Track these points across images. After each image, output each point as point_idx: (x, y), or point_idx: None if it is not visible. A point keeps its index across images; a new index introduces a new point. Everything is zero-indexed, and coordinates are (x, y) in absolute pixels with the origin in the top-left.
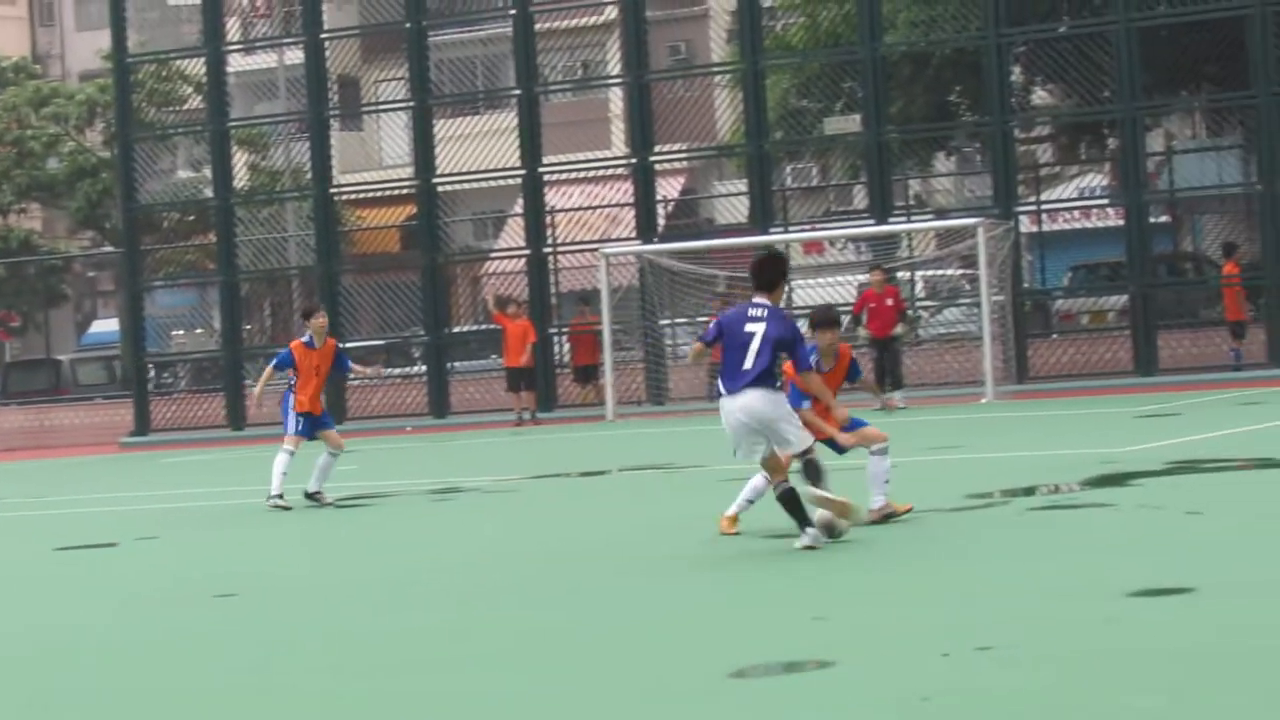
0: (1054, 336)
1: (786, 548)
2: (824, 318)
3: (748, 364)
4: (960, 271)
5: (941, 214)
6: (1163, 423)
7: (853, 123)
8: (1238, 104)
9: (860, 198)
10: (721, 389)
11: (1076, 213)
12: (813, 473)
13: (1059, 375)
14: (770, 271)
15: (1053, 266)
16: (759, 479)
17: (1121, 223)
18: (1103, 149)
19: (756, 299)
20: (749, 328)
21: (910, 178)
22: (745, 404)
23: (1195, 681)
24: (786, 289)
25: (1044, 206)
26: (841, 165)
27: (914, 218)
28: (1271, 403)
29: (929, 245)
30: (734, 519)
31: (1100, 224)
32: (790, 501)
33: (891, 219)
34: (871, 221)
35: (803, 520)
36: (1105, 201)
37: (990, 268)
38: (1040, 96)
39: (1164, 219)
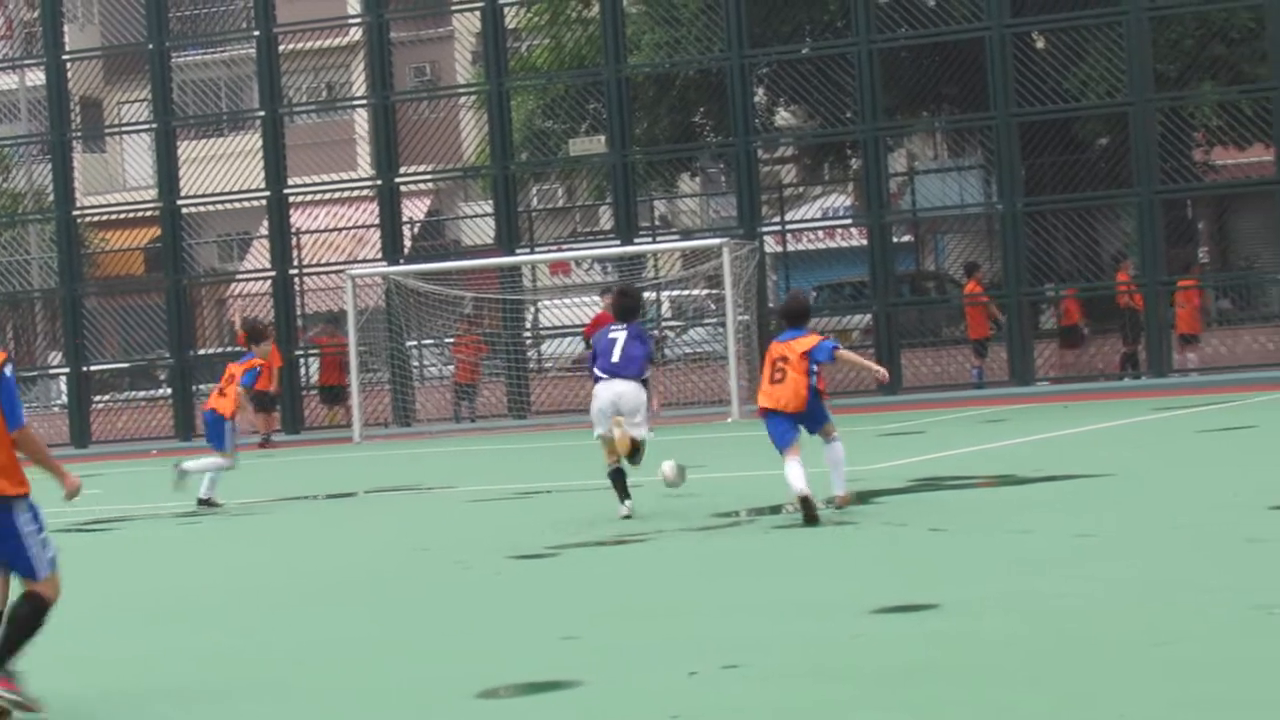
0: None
1: (537, 567)
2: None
3: (615, 357)
4: (706, 292)
5: (687, 234)
6: (906, 441)
7: (598, 144)
8: (977, 125)
9: (606, 218)
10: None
11: (821, 233)
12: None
13: None
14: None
15: (797, 286)
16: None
17: (865, 242)
18: (845, 169)
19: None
20: (612, 335)
21: (655, 198)
22: (619, 390)
23: (937, 696)
24: (534, 310)
25: (788, 226)
26: (587, 186)
27: (660, 238)
28: (1012, 420)
29: (675, 266)
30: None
31: (844, 244)
32: (618, 478)
33: (637, 240)
34: (617, 242)
35: (624, 495)
36: (848, 221)
37: (736, 288)
38: (783, 117)
39: (906, 238)
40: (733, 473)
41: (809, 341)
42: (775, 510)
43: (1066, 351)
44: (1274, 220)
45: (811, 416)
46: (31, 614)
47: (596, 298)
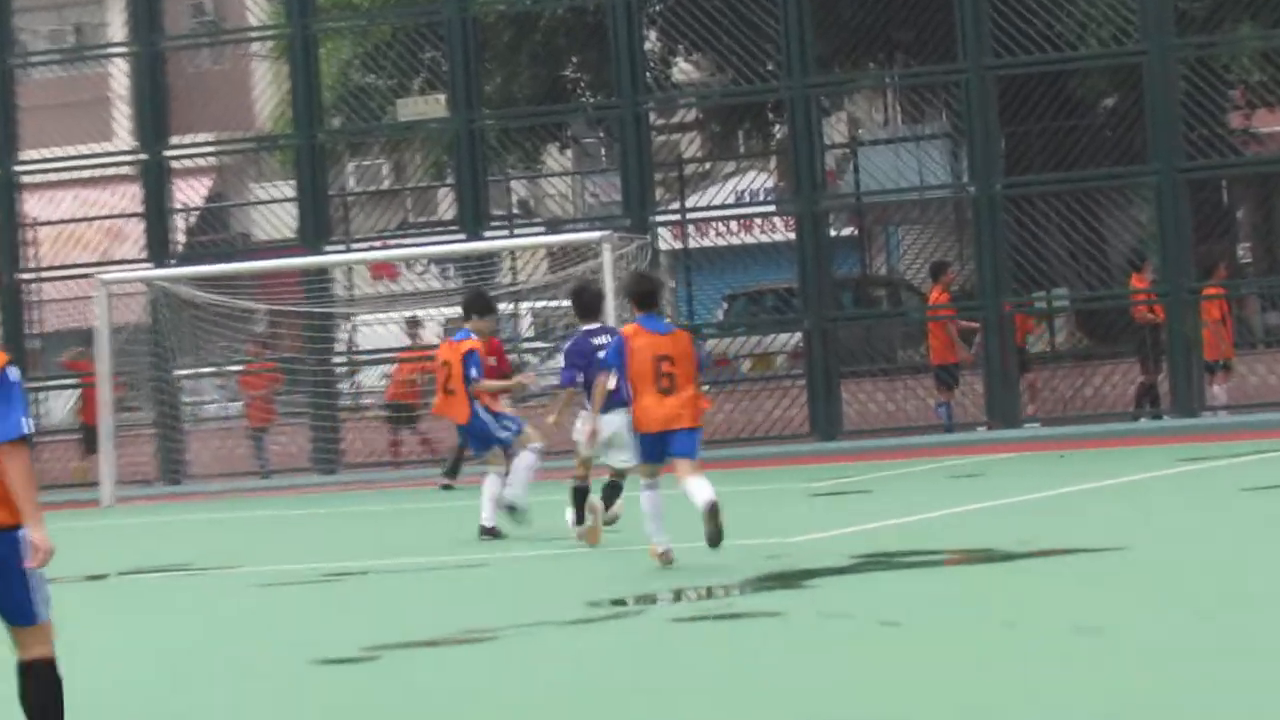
0: (704, 389)
1: (348, 676)
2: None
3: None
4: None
5: (555, 226)
6: (848, 502)
7: (436, 105)
8: (941, 80)
9: (447, 205)
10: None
11: (734, 223)
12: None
13: (710, 441)
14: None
15: (703, 295)
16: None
17: (792, 236)
18: (766, 140)
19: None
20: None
21: (514, 178)
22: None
23: None
24: (349, 327)
25: (690, 215)
26: (422, 162)
27: (519, 231)
28: (991, 474)
29: (539, 268)
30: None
31: (765, 238)
32: (579, 495)
33: (489, 233)
34: (462, 237)
35: (581, 514)
36: (771, 208)
37: (618, 297)
38: (684, 71)
39: (848, 231)
40: (614, 547)
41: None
42: (676, 597)
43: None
44: None
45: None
46: (52, 691)
47: (437, 311)
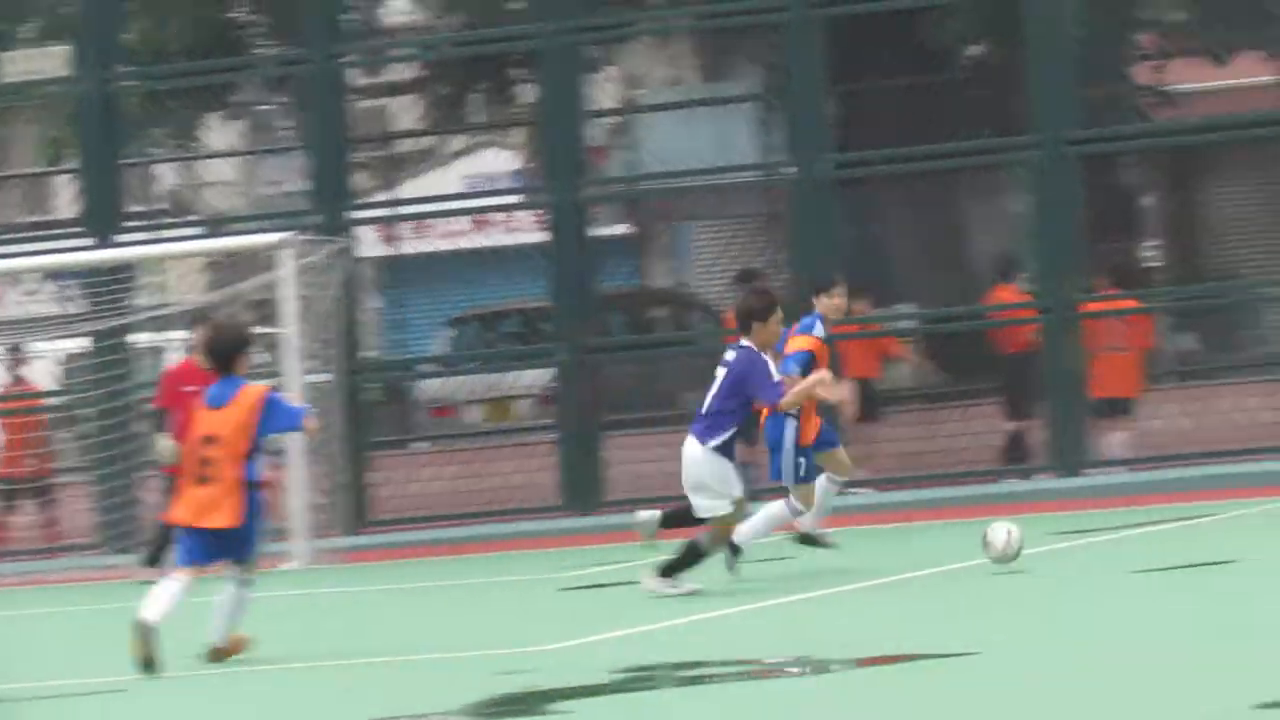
0: (421, 447)
1: None
2: None
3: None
4: (253, 330)
5: (219, 226)
6: (610, 598)
7: (53, 59)
8: (747, 24)
9: (68, 199)
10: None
11: (464, 220)
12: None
13: (427, 517)
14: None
15: (418, 318)
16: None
17: (544, 236)
18: (507, 104)
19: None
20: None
21: (161, 161)
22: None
23: None
24: None
25: (403, 209)
26: (30, 137)
27: (168, 234)
28: (803, 556)
29: (196, 283)
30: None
31: (506, 239)
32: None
33: (125, 236)
34: (89, 242)
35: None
36: (515, 199)
37: (304, 322)
38: (400, 11)
39: (620, 229)
40: (295, 663)
41: (252, 398)
42: None
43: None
44: (1269, 189)
45: (242, 540)
46: None
47: (48, 346)
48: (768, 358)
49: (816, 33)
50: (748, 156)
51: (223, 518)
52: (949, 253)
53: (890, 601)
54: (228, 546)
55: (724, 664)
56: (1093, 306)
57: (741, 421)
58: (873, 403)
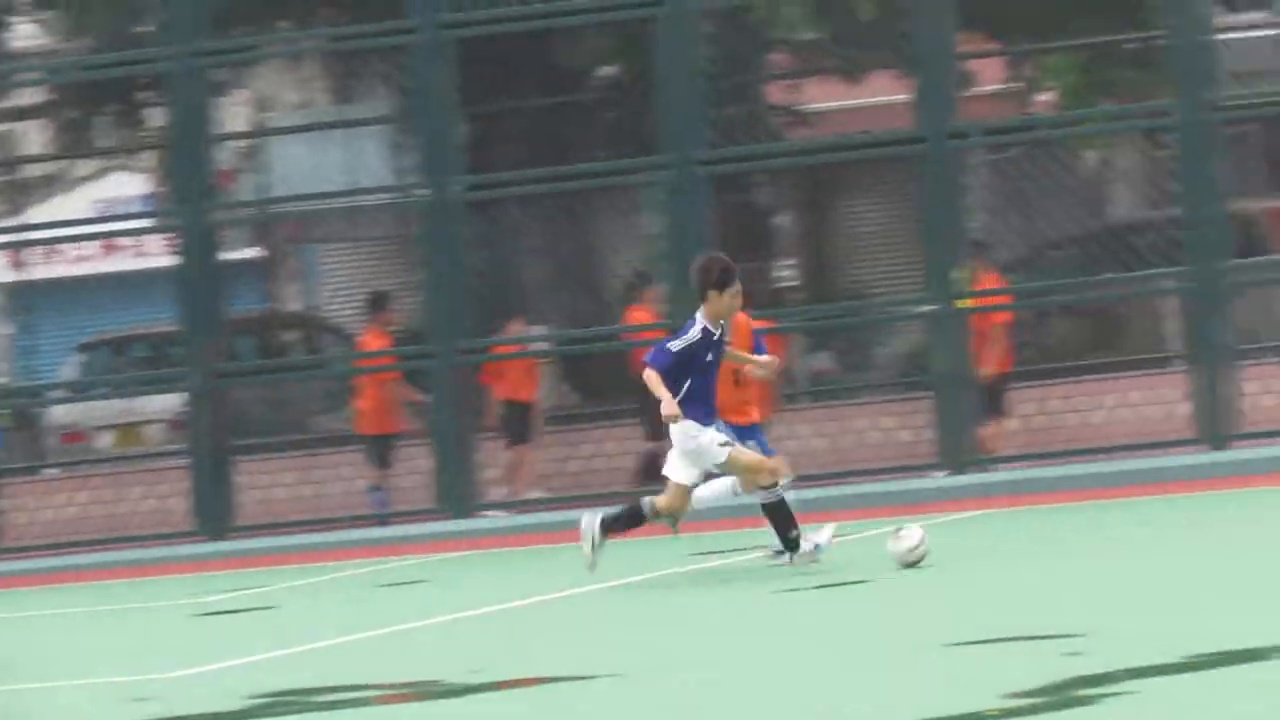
0: (53, 473)
1: None
2: None
3: None
4: None
5: None
6: (244, 623)
7: None
8: (382, 46)
9: None
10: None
11: (92, 245)
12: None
13: (56, 542)
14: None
15: (49, 344)
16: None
17: (175, 260)
18: (132, 128)
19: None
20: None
21: None
22: None
23: None
24: None
25: (31, 234)
26: None
27: None
28: (438, 580)
29: None
30: None
31: (136, 264)
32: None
33: None
34: None
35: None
36: (142, 224)
37: None
38: (24, 36)
39: (251, 252)
40: None
41: None
42: None
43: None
44: (908, 207)
45: None
46: None
47: None
48: (713, 328)
49: (447, 54)
50: (379, 179)
51: None
52: (584, 274)
53: (526, 624)
54: None
55: (356, 688)
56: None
57: (682, 385)
58: (525, 424)
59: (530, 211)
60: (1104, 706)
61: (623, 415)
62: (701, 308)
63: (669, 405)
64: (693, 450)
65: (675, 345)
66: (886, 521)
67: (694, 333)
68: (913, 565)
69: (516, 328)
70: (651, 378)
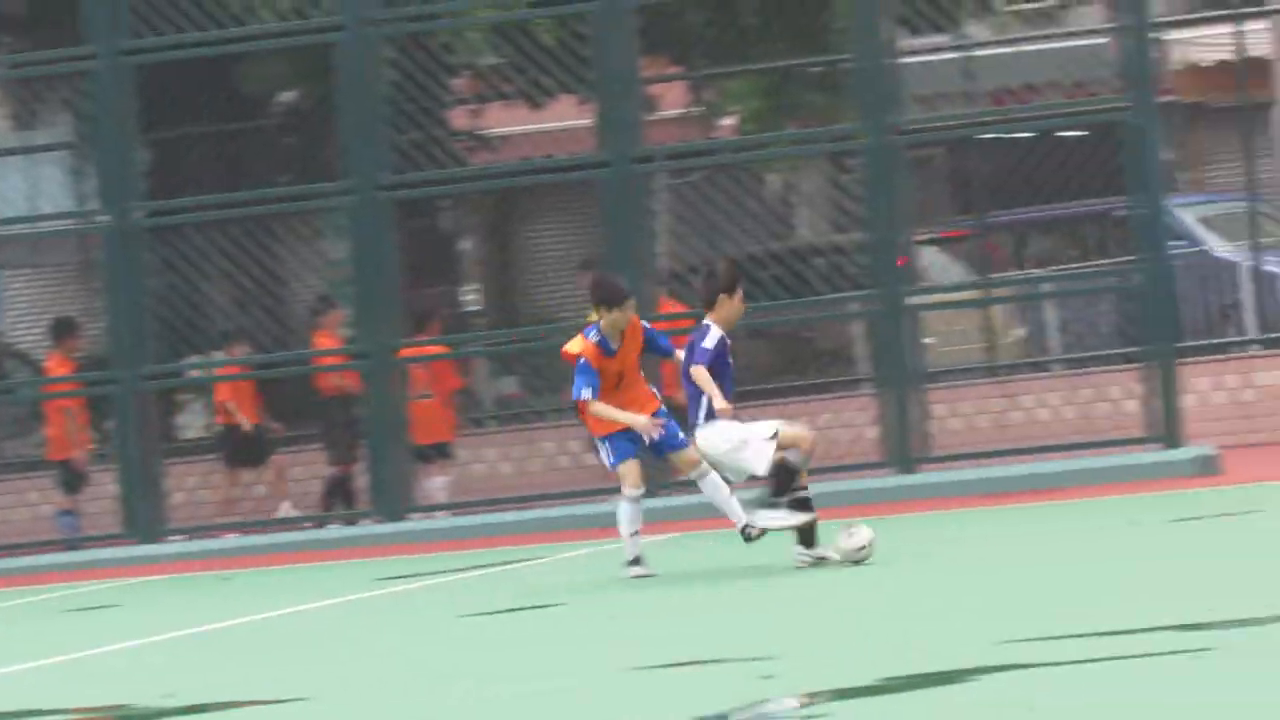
0: None
1: None
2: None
3: None
4: None
5: None
6: None
7: None
8: (60, 71)
9: None
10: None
11: None
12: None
13: None
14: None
15: None
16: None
17: None
18: None
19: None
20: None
21: None
22: None
23: None
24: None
25: None
26: None
27: None
28: (127, 605)
29: None
30: None
31: None
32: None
33: None
34: None
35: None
36: None
37: None
38: None
39: None
40: None
41: None
42: None
43: (241, 473)
44: (593, 231)
45: None
46: None
47: None
48: (721, 333)
49: (127, 80)
50: (60, 205)
51: None
52: (269, 299)
53: (216, 648)
54: None
55: (47, 713)
56: (409, 352)
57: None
58: (256, 447)
59: (213, 237)
60: None
61: (310, 439)
62: (710, 315)
63: (721, 400)
64: (740, 439)
65: (708, 343)
66: (575, 545)
67: (714, 333)
68: (857, 564)
69: (239, 351)
70: (701, 374)
